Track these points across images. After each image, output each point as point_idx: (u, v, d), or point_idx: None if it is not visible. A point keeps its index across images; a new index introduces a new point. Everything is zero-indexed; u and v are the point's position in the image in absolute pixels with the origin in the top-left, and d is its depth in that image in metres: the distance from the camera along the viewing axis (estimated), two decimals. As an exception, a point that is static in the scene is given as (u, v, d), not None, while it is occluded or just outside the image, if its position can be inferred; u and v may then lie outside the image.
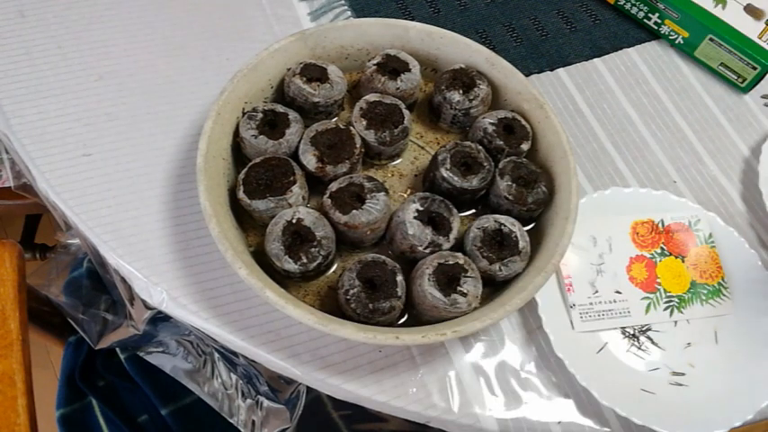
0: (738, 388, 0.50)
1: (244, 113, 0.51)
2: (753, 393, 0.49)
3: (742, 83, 0.69)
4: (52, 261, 0.71)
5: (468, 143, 0.52)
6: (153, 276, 0.50)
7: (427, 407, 0.48)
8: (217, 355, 0.63)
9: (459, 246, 0.49)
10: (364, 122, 0.52)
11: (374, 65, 0.55)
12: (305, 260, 0.45)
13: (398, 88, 0.55)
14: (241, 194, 0.48)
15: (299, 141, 0.51)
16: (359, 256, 0.47)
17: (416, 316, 0.48)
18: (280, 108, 0.52)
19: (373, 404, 0.48)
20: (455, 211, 0.49)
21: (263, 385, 0.59)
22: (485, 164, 0.51)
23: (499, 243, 0.48)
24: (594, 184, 0.61)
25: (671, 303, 0.53)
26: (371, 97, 0.53)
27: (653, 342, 0.52)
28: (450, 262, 0.46)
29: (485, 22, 0.71)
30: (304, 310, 0.42)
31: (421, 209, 0.48)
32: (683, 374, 0.51)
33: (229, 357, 0.61)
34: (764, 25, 0.68)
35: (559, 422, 0.49)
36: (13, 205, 0.95)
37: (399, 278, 0.46)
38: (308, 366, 0.47)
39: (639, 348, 0.52)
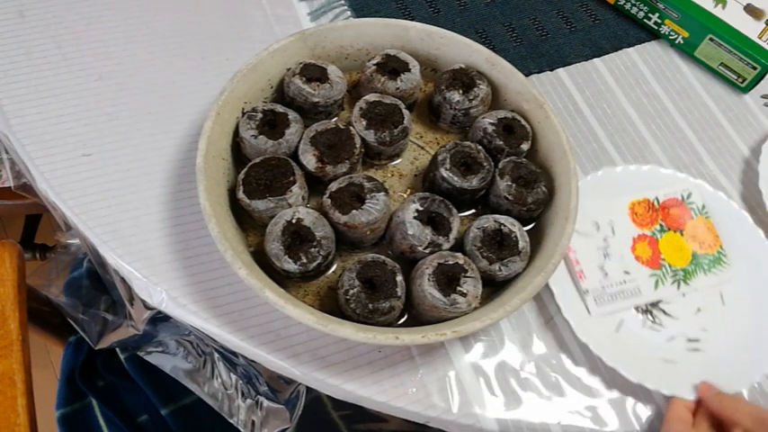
0: (751, 343, 0.52)
1: (243, 113, 0.51)
2: (762, 351, 0.52)
3: (742, 83, 0.69)
4: (52, 261, 0.71)
5: (467, 143, 0.52)
6: (153, 276, 0.50)
7: (427, 407, 0.48)
8: (217, 355, 0.63)
9: (458, 246, 0.49)
10: (364, 122, 0.52)
11: (374, 65, 0.55)
12: (305, 260, 0.45)
13: (398, 88, 0.55)
14: (241, 194, 0.48)
15: (299, 141, 0.51)
16: (359, 256, 0.47)
17: (416, 316, 0.48)
18: (279, 108, 0.52)
19: (373, 404, 0.48)
20: (455, 211, 0.49)
21: (263, 385, 0.59)
22: (484, 164, 0.51)
23: (499, 243, 0.48)
24: (594, 184, 0.61)
25: (677, 277, 0.55)
26: (371, 97, 0.53)
27: (665, 313, 0.54)
28: (450, 262, 0.46)
29: (485, 22, 0.71)
30: (303, 310, 0.42)
31: (421, 209, 0.48)
32: (697, 340, 0.53)
33: (229, 357, 0.61)
34: (764, 25, 0.68)
35: (559, 422, 0.49)
36: (13, 205, 0.95)
37: (399, 278, 0.46)
38: (308, 366, 0.47)
39: (654, 322, 0.53)
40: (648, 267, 0.55)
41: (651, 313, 0.54)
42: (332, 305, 0.48)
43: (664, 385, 0.48)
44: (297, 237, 0.46)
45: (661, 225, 0.57)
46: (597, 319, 0.52)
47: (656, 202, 0.58)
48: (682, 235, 0.57)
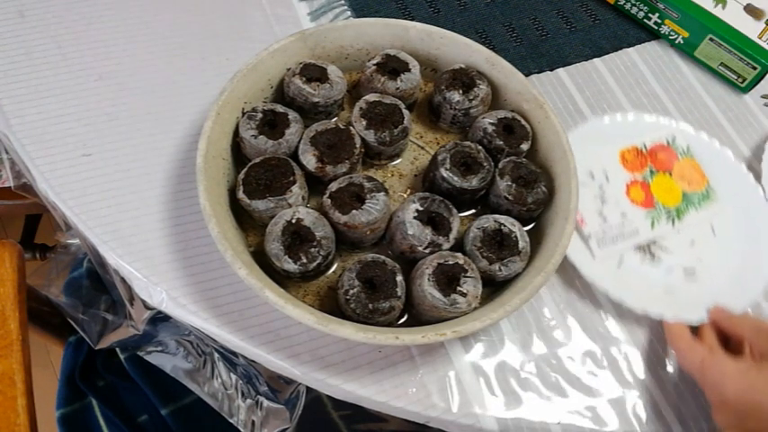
0: (743, 268, 0.56)
1: (243, 113, 0.51)
2: (758, 269, 0.56)
3: (742, 83, 0.69)
4: (52, 261, 0.71)
5: (467, 143, 0.52)
6: (153, 276, 0.50)
7: (427, 407, 0.48)
8: (217, 355, 0.63)
9: (458, 246, 0.49)
10: (364, 122, 0.52)
11: (374, 65, 0.55)
12: (304, 260, 0.45)
13: (398, 88, 0.55)
14: (241, 194, 0.48)
15: (299, 141, 0.51)
16: (359, 256, 0.47)
17: (416, 316, 0.48)
18: (279, 108, 0.52)
19: (373, 404, 0.48)
20: (455, 211, 0.49)
21: (263, 385, 0.59)
22: (484, 164, 0.51)
23: (499, 243, 0.48)
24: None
25: (670, 215, 0.59)
26: (371, 97, 0.53)
27: (662, 249, 0.57)
28: (450, 262, 0.46)
29: (485, 22, 0.71)
30: (303, 310, 0.42)
31: (421, 209, 0.48)
32: (693, 270, 0.56)
33: (229, 357, 0.61)
34: (764, 25, 0.68)
35: (559, 422, 0.49)
36: (13, 205, 0.95)
37: (399, 278, 0.46)
38: (308, 366, 0.47)
39: (653, 258, 0.57)
40: (643, 208, 0.58)
41: (649, 250, 0.57)
42: (332, 305, 0.48)
43: (666, 312, 0.51)
44: (297, 237, 0.46)
45: (651, 169, 0.60)
46: (600, 262, 0.55)
47: (643, 149, 0.61)
48: (671, 176, 0.60)
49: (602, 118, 0.62)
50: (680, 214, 0.59)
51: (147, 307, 0.55)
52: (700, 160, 0.61)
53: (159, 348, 0.68)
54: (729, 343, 0.51)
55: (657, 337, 0.54)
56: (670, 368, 0.53)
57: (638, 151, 0.61)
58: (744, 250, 0.58)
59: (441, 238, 0.48)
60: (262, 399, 0.60)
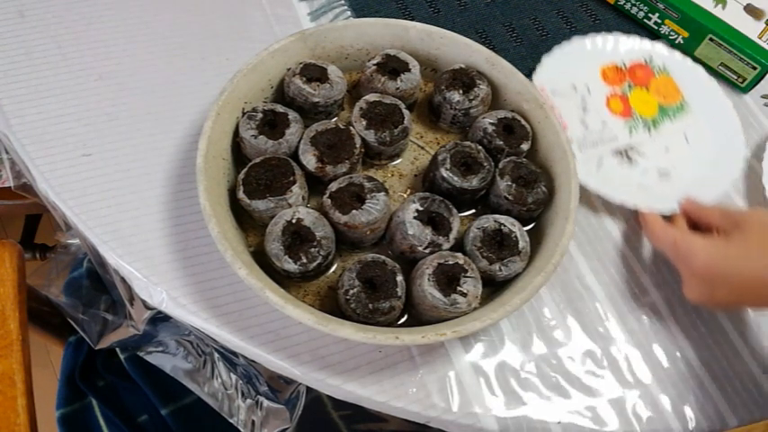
0: (712, 170, 0.61)
1: (243, 113, 0.51)
2: (725, 173, 0.61)
3: (742, 83, 0.69)
4: (52, 261, 0.71)
5: (468, 143, 0.52)
6: (153, 276, 0.50)
7: (427, 407, 0.48)
8: (217, 355, 0.63)
9: (458, 246, 0.49)
10: (364, 122, 0.52)
11: (374, 65, 0.55)
12: (305, 260, 0.45)
13: (398, 88, 0.55)
14: (241, 194, 0.48)
15: (299, 141, 0.51)
16: (359, 256, 0.47)
17: (416, 316, 0.48)
18: (279, 108, 0.52)
19: (373, 404, 0.48)
20: (455, 211, 0.49)
21: (263, 385, 0.59)
22: (485, 164, 0.51)
23: (499, 243, 0.48)
24: (594, 183, 0.61)
25: (647, 125, 0.64)
26: (371, 97, 0.53)
27: (639, 153, 0.62)
28: (450, 262, 0.46)
29: (485, 22, 0.71)
30: (304, 310, 0.42)
31: (421, 209, 0.48)
32: (668, 172, 0.61)
33: (229, 357, 0.61)
34: (764, 25, 0.68)
35: (559, 422, 0.49)
36: (13, 205, 0.95)
37: (399, 278, 0.46)
38: (308, 366, 0.47)
39: (630, 161, 0.61)
40: (622, 118, 0.64)
41: (627, 154, 0.62)
42: (332, 305, 0.48)
43: (640, 204, 0.56)
44: (297, 237, 0.46)
45: (629, 83, 0.66)
46: (581, 164, 0.59)
47: (623, 66, 0.67)
48: (648, 90, 0.66)
49: (583, 40, 0.67)
50: (656, 124, 0.64)
51: (147, 307, 0.55)
52: (675, 77, 0.67)
53: (159, 348, 0.68)
54: (699, 230, 0.54)
55: (632, 228, 0.59)
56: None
57: (618, 68, 0.67)
58: (714, 156, 0.62)
59: (441, 238, 0.48)
60: (262, 399, 0.60)
